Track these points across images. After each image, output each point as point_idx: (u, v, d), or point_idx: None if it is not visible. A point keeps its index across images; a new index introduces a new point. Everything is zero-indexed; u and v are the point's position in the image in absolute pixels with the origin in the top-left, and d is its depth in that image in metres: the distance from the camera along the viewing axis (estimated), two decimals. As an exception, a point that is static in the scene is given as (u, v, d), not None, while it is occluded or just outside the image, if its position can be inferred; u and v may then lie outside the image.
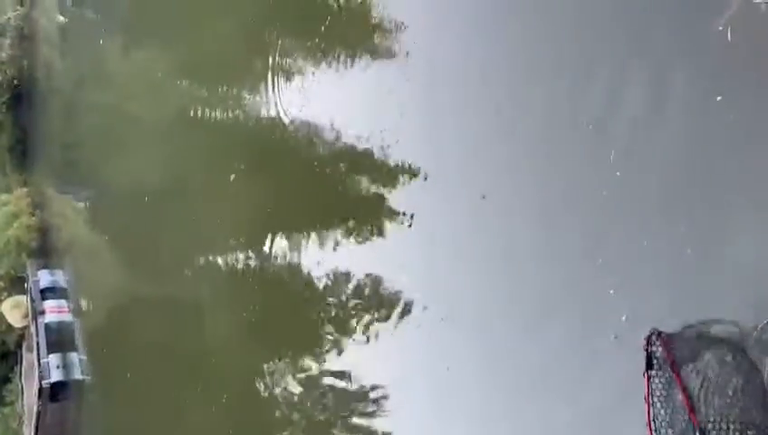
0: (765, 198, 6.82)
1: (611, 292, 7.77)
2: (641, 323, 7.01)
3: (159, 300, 15.58)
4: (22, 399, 21.74)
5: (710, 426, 6.27)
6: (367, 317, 11.53)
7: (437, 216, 10.70)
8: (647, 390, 6.64)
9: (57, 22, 23.31)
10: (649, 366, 6.75)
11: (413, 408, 10.62)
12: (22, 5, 24.54)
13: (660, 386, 6.73)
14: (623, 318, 7.64)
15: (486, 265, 9.65)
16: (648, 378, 6.70)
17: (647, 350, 6.78)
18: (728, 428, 6.26)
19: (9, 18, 25.06)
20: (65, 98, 22.17)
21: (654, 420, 6.60)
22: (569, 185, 8.53)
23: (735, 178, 7.03)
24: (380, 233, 11.59)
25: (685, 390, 6.45)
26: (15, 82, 24.44)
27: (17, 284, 23.26)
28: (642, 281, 7.61)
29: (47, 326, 22.12)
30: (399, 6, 11.16)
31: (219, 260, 13.97)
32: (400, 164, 11.23)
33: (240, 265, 13.57)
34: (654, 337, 6.86)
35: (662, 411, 6.67)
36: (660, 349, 6.77)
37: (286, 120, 12.56)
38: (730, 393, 6.37)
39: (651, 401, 6.65)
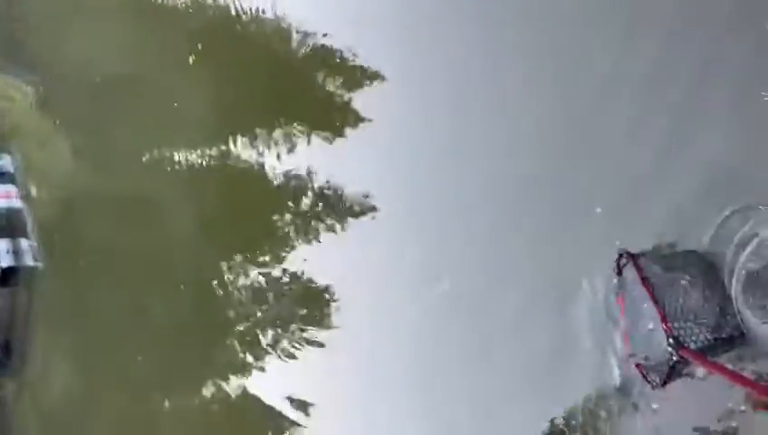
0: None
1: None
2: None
3: (114, 192, 15.19)
4: (-28, 284, 21.36)
5: (681, 332, 6.70)
6: (326, 221, 11.53)
7: (400, 121, 10.57)
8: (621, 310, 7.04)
9: None
10: (621, 286, 7.14)
11: (363, 304, 10.87)
12: None
13: (627, 306, 7.09)
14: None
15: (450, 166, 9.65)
16: (622, 298, 7.09)
17: (617, 271, 7.13)
18: (699, 333, 6.73)
19: None
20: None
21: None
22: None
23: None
24: (341, 135, 11.40)
25: (656, 302, 6.84)
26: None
27: (-39, 168, 22.32)
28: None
29: None
30: None
31: (176, 154, 13.57)
32: (366, 67, 10.92)
33: (197, 161, 13.23)
34: (624, 257, 7.14)
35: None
36: (629, 268, 7.06)
37: (251, 10, 11.95)
38: (699, 305, 6.84)
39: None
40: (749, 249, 6.75)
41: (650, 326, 6.98)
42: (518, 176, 9.05)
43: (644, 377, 7.42)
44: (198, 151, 13.09)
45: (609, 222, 8.02)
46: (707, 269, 6.95)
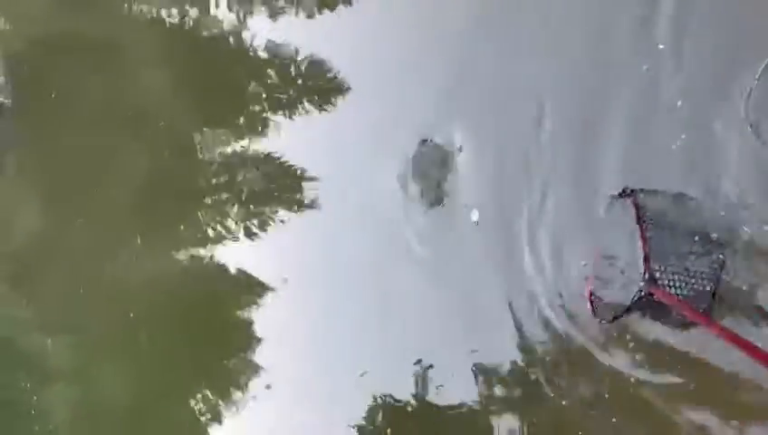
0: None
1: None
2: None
3: (89, 36, 14.12)
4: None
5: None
6: (303, 97, 10.99)
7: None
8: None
9: None
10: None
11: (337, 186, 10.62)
12: None
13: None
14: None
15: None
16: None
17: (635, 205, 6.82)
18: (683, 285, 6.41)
19: None
20: None
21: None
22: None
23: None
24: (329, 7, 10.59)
25: (645, 240, 6.56)
26: None
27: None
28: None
29: None
30: None
31: (153, 8, 12.55)
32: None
33: (176, 19, 12.29)
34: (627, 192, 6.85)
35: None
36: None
37: None
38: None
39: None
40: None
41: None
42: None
43: (592, 306, 7.25)
44: (177, 8, 12.12)
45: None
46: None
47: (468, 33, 8.81)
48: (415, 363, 9.26)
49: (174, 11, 12.00)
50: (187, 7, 11.92)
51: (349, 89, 10.40)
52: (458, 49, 8.99)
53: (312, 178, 10.88)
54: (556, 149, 8.00)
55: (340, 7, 10.64)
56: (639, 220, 6.70)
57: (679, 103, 7.10)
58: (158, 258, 12.02)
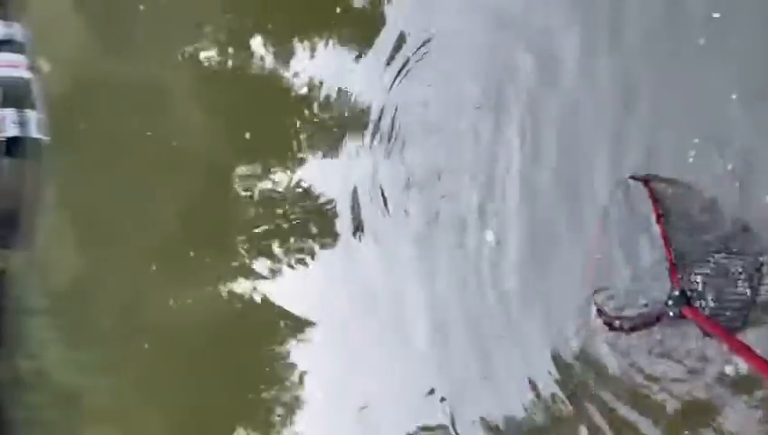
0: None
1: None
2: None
3: (131, 77, 14.31)
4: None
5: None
6: (335, 133, 10.93)
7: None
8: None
9: None
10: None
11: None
12: None
13: None
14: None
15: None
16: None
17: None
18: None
19: None
20: None
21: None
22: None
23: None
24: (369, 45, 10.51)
25: (668, 242, 5.36)
26: None
27: (-29, 33, 21.07)
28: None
29: (2, 80, 20.69)
30: None
31: (195, 47, 12.69)
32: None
33: (216, 58, 12.41)
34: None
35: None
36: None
37: None
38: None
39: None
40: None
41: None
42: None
43: (606, 318, 5.99)
44: (217, 49, 12.26)
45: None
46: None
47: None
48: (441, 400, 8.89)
49: (213, 51, 12.14)
50: (228, 48, 12.05)
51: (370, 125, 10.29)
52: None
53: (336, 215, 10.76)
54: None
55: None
56: (658, 216, 5.47)
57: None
58: (197, 293, 11.94)
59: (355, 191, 10.19)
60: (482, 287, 8.19)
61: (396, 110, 9.69)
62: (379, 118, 9.93)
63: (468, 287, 8.42)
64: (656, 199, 5.60)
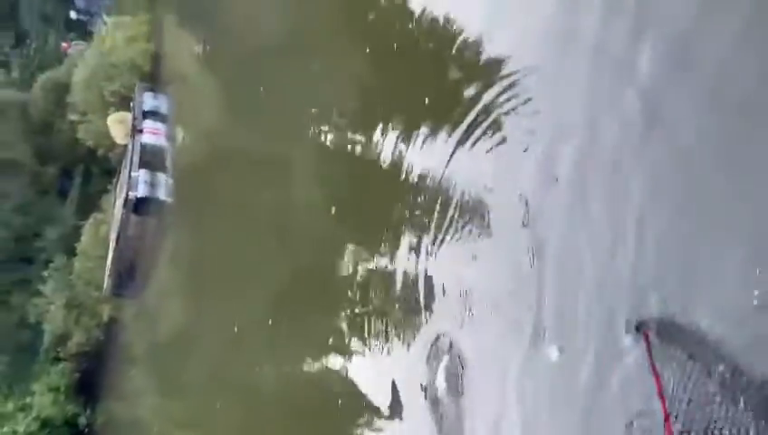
0: None
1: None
2: None
3: (252, 152, 15.22)
4: (114, 209, 22.52)
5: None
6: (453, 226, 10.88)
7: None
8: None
9: None
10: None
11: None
12: None
13: None
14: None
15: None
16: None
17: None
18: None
19: None
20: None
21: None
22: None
23: None
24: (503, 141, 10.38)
25: (662, 395, 5.36)
26: None
27: (124, 102, 23.45)
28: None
29: (143, 145, 22.36)
30: None
31: (321, 131, 13.36)
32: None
33: (339, 142, 12.96)
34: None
35: None
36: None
37: (421, 7, 11.42)
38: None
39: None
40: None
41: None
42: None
43: None
44: (345, 133, 12.82)
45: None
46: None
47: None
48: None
49: (335, 132, 12.71)
50: (352, 134, 12.56)
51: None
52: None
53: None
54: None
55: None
56: (653, 367, 5.38)
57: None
58: (290, 365, 11.97)
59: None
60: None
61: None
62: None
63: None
64: (649, 348, 5.60)
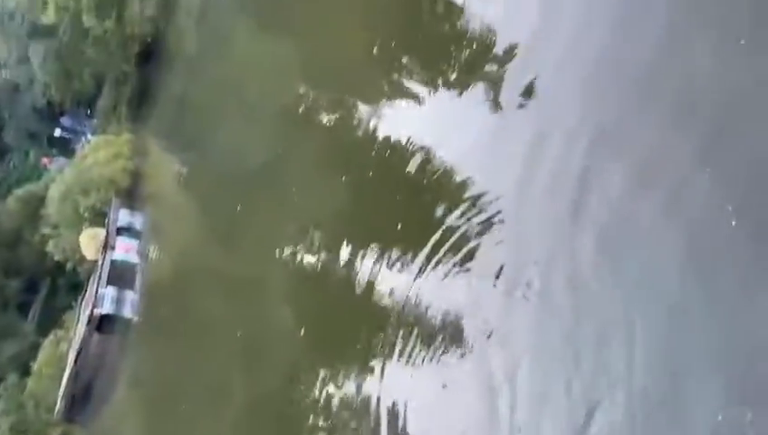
0: None
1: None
2: None
3: (225, 271, 15.09)
4: (76, 326, 21.83)
5: None
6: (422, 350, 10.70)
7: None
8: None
9: (200, -5, 23.59)
10: None
11: None
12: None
13: None
14: None
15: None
16: None
17: None
18: None
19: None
20: (190, 65, 22.27)
21: None
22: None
23: None
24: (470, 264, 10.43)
25: None
26: (149, 39, 24.84)
27: (99, 218, 23.44)
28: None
29: (113, 261, 22.11)
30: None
31: (295, 252, 13.39)
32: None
33: (312, 263, 12.98)
34: None
35: None
36: None
37: (395, 137, 11.96)
38: None
39: None
40: None
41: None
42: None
43: None
44: (319, 254, 12.88)
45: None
46: None
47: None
48: None
49: (313, 255, 12.75)
50: (327, 256, 12.61)
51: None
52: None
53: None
54: None
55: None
56: None
57: None
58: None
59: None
60: None
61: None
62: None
63: None
64: None
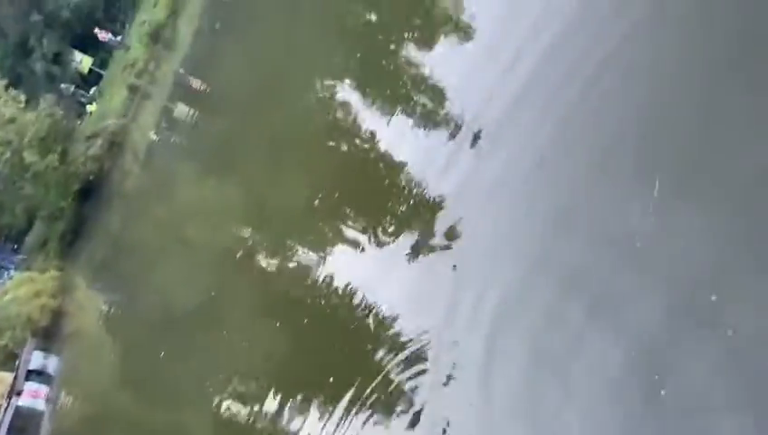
0: None
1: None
2: None
3: (139, 425, 14.00)
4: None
5: None
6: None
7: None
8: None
9: (148, 138, 24.02)
10: None
11: None
12: (125, 117, 25.62)
13: None
14: None
15: None
16: None
17: None
18: None
19: (108, 125, 26.14)
20: (131, 204, 22.14)
21: None
22: None
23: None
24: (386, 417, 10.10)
25: None
26: (91, 177, 24.81)
27: (9, 359, 21.80)
28: None
29: (17, 408, 20.42)
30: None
31: (220, 400, 12.63)
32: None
33: (237, 412, 12.22)
34: None
35: None
36: None
37: (334, 284, 11.90)
38: None
39: None
40: None
41: None
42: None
43: None
44: (245, 403, 12.19)
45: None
46: None
47: None
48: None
49: (239, 404, 12.04)
50: (253, 405, 11.96)
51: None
52: None
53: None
54: None
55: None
56: None
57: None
58: None
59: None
60: None
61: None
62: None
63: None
64: None
